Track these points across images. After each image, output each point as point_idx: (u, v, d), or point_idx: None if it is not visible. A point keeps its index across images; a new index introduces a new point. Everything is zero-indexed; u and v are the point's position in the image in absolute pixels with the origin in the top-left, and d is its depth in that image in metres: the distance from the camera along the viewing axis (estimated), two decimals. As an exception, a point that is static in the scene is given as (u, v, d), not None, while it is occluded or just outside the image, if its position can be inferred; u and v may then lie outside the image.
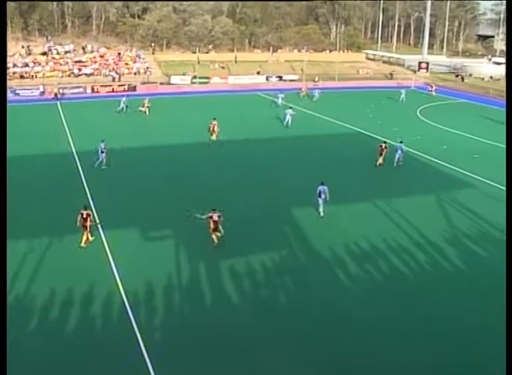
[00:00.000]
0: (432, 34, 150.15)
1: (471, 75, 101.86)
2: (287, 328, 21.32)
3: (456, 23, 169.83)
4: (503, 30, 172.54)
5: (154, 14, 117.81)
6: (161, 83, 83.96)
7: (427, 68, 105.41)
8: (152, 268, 25.57)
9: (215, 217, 27.83)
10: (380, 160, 43.34)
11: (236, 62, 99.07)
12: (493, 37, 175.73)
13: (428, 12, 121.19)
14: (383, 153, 43.17)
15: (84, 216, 27.60)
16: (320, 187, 32.70)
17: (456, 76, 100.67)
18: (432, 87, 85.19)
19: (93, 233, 28.56)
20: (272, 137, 52.31)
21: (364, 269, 26.25)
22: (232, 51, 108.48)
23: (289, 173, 41.42)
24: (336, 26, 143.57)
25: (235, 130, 53.34)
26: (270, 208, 33.96)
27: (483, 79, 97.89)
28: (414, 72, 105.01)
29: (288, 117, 57.71)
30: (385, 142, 44.67)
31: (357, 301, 23.52)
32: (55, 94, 73.46)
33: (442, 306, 23.31)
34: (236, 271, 25.54)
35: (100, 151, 41.45)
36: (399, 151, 43.50)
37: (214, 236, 28.20)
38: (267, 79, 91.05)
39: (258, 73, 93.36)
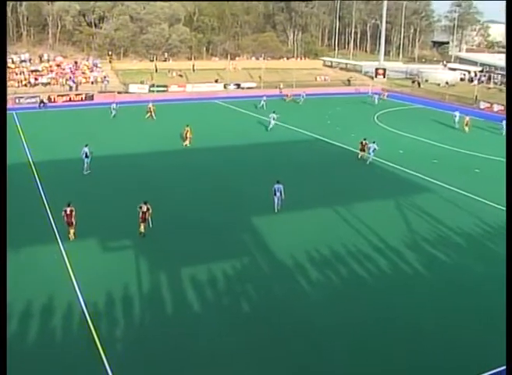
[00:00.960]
0: (388, 41, 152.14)
1: (427, 81, 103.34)
2: (249, 336, 21.34)
3: (412, 30, 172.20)
4: (457, 36, 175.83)
5: (110, 22, 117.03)
6: (119, 92, 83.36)
7: (384, 74, 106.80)
8: (112, 278, 25.36)
9: (144, 208, 29.72)
10: (361, 154, 48.40)
11: (193, 70, 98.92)
12: (448, 43, 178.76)
13: (384, 19, 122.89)
14: (365, 148, 47.98)
15: (68, 212, 29.05)
16: (276, 186, 34.33)
17: (413, 82, 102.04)
18: (383, 93, 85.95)
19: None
20: (233, 144, 52.33)
21: (325, 274, 26.42)
22: (190, 59, 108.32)
23: (250, 180, 41.54)
24: (294, 33, 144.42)
25: (195, 138, 53.21)
26: (231, 215, 33.97)
27: (439, 84, 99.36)
28: (372, 78, 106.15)
29: (272, 121, 59.90)
30: (364, 139, 48.96)
31: (318, 307, 23.64)
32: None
33: (402, 310, 23.60)
34: (198, 279, 25.46)
35: (84, 156, 41.65)
36: (372, 149, 46.92)
37: (142, 226, 29.97)
38: (225, 87, 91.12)
39: (216, 81, 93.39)
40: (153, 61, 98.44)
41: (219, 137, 55.04)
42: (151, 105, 65.81)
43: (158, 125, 61.13)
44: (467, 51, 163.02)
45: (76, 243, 28.99)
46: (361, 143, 48.72)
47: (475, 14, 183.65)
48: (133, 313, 22.62)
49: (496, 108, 78.53)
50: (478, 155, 51.37)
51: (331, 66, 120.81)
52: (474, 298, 24.98)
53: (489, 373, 19.42)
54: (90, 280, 25.02)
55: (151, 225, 30.15)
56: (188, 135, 51.55)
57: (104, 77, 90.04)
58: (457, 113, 66.17)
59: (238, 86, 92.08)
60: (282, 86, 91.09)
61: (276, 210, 34.58)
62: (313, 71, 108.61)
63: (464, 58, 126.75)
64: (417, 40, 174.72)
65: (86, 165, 41.92)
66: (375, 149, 46.57)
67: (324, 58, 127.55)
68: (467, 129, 62.84)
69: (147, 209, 30.03)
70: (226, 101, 77.59)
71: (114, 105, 66.30)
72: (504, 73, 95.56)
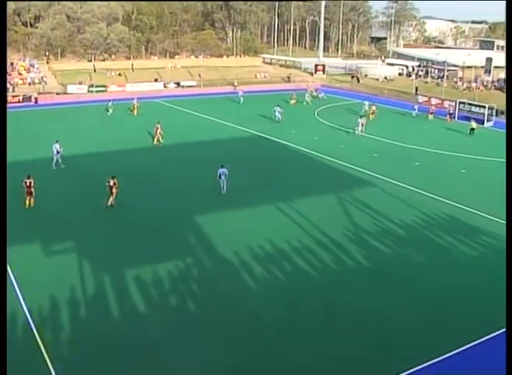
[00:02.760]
0: (326, 37, 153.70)
1: (366, 76, 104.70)
2: (198, 335, 21.38)
3: (350, 26, 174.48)
4: (394, 32, 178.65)
5: (47, 22, 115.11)
6: (58, 93, 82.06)
7: (323, 70, 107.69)
8: (56, 283, 25.00)
9: (111, 183, 33.58)
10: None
11: (133, 69, 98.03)
12: (386, 38, 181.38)
13: (323, 15, 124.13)
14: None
15: (27, 184, 33.66)
16: (220, 170, 37.22)
17: (352, 77, 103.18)
18: (315, 89, 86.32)
19: None
20: (174, 143, 51.98)
21: (270, 270, 26.67)
22: (129, 58, 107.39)
23: (191, 178, 41.41)
24: (233, 31, 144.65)
25: (136, 138, 52.80)
26: (175, 215, 33.90)
27: (378, 79, 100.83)
28: (311, 74, 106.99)
29: (277, 114, 63.14)
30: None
31: (264, 303, 23.84)
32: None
33: (347, 302, 24.03)
34: (143, 280, 25.38)
35: (56, 152, 42.54)
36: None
37: (111, 199, 33.84)
38: (165, 86, 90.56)
39: (156, 80, 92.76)
40: (91, 61, 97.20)
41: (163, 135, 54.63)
42: (135, 101, 67.07)
43: (100, 124, 60.47)
44: (405, 46, 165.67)
45: (18, 247, 28.34)
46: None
47: (412, 10, 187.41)
48: (79, 317, 22.39)
49: (433, 101, 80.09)
50: (415, 148, 52.40)
51: (270, 63, 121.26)
52: (416, 287, 25.56)
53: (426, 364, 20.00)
54: (33, 286, 24.57)
55: (109, 203, 33.66)
56: (158, 132, 51.81)
57: (42, 78, 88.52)
58: (366, 102, 70.11)
59: (178, 84, 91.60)
60: (236, 83, 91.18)
61: (223, 192, 37.06)
62: (253, 68, 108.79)
63: (401, 53, 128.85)
64: (355, 36, 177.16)
65: (57, 160, 42.89)
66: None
67: (263, 56, 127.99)
68: (372, 117, 65.39)
69: (114, 184, 33.59)
70: (166, 100, 77.11)
71: (110, 103, 67.47)
72: (441, 67, 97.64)
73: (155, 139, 51.84)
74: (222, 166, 37.36)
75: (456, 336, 21.53)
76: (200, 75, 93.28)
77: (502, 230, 32.27)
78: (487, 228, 32.77)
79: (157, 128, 51.87)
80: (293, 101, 76.76)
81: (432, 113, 68.32)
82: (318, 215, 34.05)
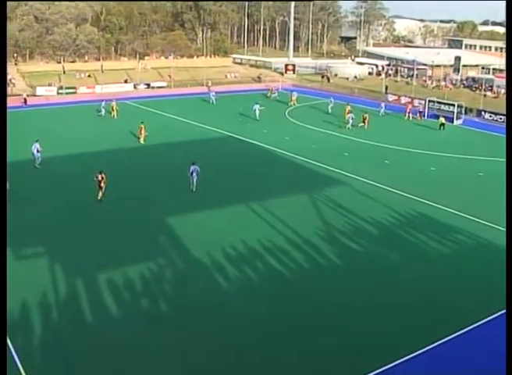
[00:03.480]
0: (296, 37, 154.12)
1: (336, 75, 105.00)
2: (171, 338, 21.30)
3: (320, 26, 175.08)
4: (364, 31, 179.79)
5: (14, 23, 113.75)
6: (28, 95, 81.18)
7: (293, 70, 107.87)
8: (27, 286, 24.69)
9: (99, 177, 35.09)
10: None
11: (102, 71, 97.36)
12: (355, 38, 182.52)
13: (292, 15, 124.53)
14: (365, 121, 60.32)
15: (99, 178, 35.17)
16: (192, 167, 37.56)
17: (322, 76, 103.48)
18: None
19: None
20: (144, 144, 51.69)
21: (243, 271, 26.66)
22: (99, 59, 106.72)
23: (162, 180, 41.19)
24: (203, 31, 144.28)
25: (106, 140, 52.40)
26: (146, 216, 33.69)
27: (348, 79, 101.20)
28: (282, 74, 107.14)
29: (257, 112, 64.36)
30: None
31: (237, 304, 23.84)
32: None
33: (320, 301, 24.15)
34: (115, 283, 25.20)
35: (36, 151, 43.04)
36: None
37: (100, 193, 35.30)
38: (135, 87, 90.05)
39: (126, 81, 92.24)
40: (60, 62, 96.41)
41: (131, 137, 54.25)
42: (114, 103, 66.52)
43: (69, 126, 59.92)
44: (374, 45, 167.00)
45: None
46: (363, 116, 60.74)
47: (381, 10, 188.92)
48: (51, 322, 22.16)
49: (403, 100, 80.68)
50: (385, 146, 52.82)
51: (241, 64, 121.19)
52: (388, 286, 25.77)
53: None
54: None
55: (99, 197, 35.28)
56: (143, 132, 52.51)
57: (10, 80, 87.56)
58: (332, 99, 70.87)
59: (148, 86, 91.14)
60: (210, 84, 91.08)
61: (193, 189, 37.63)
62: (223, 69, 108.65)
63: (371, 52, 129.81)
64: (325, 35, 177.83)
65: (38, 159, 43.35)
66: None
67: (234, 56, 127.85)
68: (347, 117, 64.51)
69: (102, 178, 35.14)
70: (137, 102, 76.67)
71: (103, 103, 67.20)
72: (410, 66, 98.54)
73: (142, 139, 52.62)
74: (194, 163, 37.82)
75: (426, 333, 21.73)
76: (170, 76, 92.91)
77: (471, 227, 32.87)
78: (457, 225, 33.16)
79: (141, 128, 52.65)
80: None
81: (409, 113, 68.42)
82: (291, 214, 34.13)
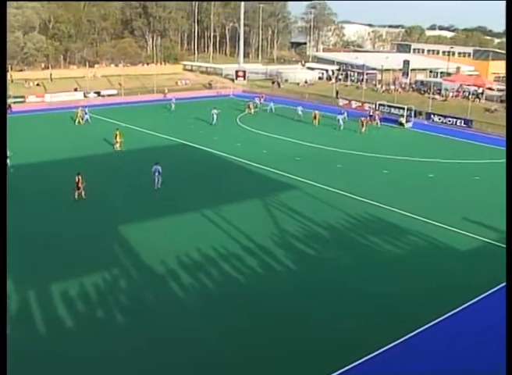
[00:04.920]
0: (247, 43, 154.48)
1: (286, 80, 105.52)
2: (126, 349, 21.06)
3: (270, 32, 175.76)
4: (313, 37, 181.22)
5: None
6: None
7: (244, 76, 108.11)
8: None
9: (77, 179, 36.93)
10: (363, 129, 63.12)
11: (51, 79, 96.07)
12: (305, 43, 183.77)
13: (242, 22, 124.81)
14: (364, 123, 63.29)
15: (76, 179, 36.86)
16: (154, 167, 39.73)
17: (273, 82, 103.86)
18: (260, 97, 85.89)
19: None
20: (94, 153, 51.03)
21: (198, 279, 26.54)
22: (47, 68, 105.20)
23: (116, 189, 40.84)
24: (153, 38, 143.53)
25: (54, 149, 51.61)
26: (100, 225, 33.31)
27: (298, 84, 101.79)
28: (232, 80, 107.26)
29: (214, 116, 65.44)
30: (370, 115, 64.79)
31: (193, 313, 23.71)
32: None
33: (275, 308, 24.19)
34: (69, 295, 24.81)
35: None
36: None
37: (76, 193, 37.03)
38: (85, 95, 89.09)
39: (76, 89, 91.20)
40: (8, 71, 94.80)
41: (82, 146, 53.50)
42: (79, 110, 66.58)
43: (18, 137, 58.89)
44: (324, 50, 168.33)
45: None
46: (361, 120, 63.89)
47: (330, 15, 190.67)
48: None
49: (354, 104, 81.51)
50: (338, 151, 53.27)
51: (191, 70, 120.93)
52: (342, 290, 26.00)
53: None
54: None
55: (84, 195, 37.01)
56: (118, 139, 52.53)
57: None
58: (300, 108, 71.07)
59: (98, 94, 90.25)
60: (167, 91, 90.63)
61: (156, 187, 39.58)
62: (173, 76, 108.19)
63: (321, 57, 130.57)
64: (275, 41, 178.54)
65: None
66: None
67: (184, 63, 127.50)
68: (316, 122, 67.17)
69: (78, 180, 36.96)
70: (88, 110, 75.80)
71: (86, 110, 67.10)
72: (360, 70, 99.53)
73: (117, 145, 52.72)
74: (157, 163, 39.78)
75: (380, 337, 21.96)
76: (120, 84, 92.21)
77: (424, 228, 33.38)
78: (410, 227, 33.66)
79: (116, 135, 52.82)
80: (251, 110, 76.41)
81: (376, 119, 68.74)
82: (244, 221, 34.15)
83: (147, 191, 39.89)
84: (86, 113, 66.85)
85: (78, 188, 37.19)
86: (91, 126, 64.23)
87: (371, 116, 69.58)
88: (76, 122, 65.34)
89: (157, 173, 39.78)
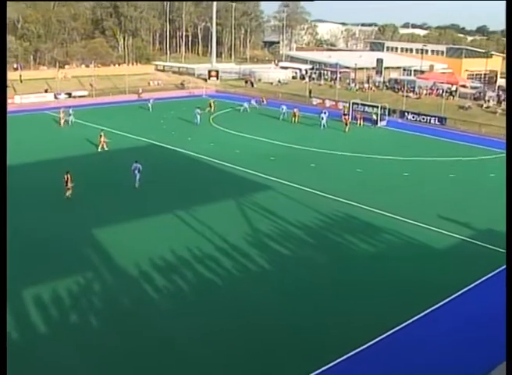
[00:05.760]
0: (219, 43, 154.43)
1: (260, 80, 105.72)
2: (101, 353, 20.95)
3: (243, 31, 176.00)
4: (286, 36, 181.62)
5: None
6: None
7: (217, 76, 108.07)
8: None
9: (65, 177, 37.56)
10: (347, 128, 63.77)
11: (21, 80, 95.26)
12: (278, 42, 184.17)
13: (214, 21, 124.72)
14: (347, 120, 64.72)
15: (65, 178, 37.51)
16: (134, 165, 40.53)
17: (246, 82, 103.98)
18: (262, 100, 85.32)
19: None
20: (65, 156, 50.59)
21: (172, 281, 26.49)
22: (17, 69, 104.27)
23: (97, 189, 40.56)
24: (124, 38, 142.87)
25: (25, 153, 51.18)
26: (75, 228, 33.02)
27: (272, 83, 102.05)
28: (205, 80, 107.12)
29: (198, 116, 65.98)
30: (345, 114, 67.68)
31: (169, 315, 23.66)
32: None
33: (252, 308, 24.25)
34: (42, 300, 24.58)
35: None
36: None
37: (68, 192, 37.71)
38: (55, 96, 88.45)
39: (46, 90, 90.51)
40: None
41: (51, 149, 53.09)
42: (61, 111, 66.20)
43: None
44: (297, 49, 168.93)
45: None
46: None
47: (303, 14, 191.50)
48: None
49: (327, 103, 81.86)
50: (312, 150, 53.47)
51: (163, 70, 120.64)
52: (316, 288, 26.11)
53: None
54: None
55: (67, 195, 37.53)
56: (102, 140, 52.49)
57: None
58: (284, 107, 71.76)
59: (69, 95, 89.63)
60: (141, 91, 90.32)
61: (137, 185, 40.24)
62: (145, 76, 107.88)
63: (294, 56, 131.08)
64: (248, 40, 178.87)
65: None
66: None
67: (156, 63, 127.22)
68: (295, 120, 68.46)
69: (67, 179, 37.53)
70: (57, 112, 75.25)
71: (70, 111, 66.60)
72: (334, 69, 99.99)
73: (100, 146, 52.62)
74: (136, 162, 40.70)
75: (358, 337, 22.10)
76: (91, 84, 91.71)
77: (399, 226, 33.71)
78: (385, 225, 33.96)
79: (100, 136, 52.85)
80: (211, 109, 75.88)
81: (360, 119, 68.73)
82: (218, 221, 34.16)
83: (126, 192, 40.00)
84: (70, 115, 66.37)
85: (67, 187, 37.78)
86: (72, 128, 63.74)
87: (345, 114, 69.85)
88: (61, 123, 65.07)
89: (137, 171, 40.37)
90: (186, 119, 68.72)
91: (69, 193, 37.79)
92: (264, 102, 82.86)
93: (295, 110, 69.53)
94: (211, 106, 75.52)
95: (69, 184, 37.82)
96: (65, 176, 37.83)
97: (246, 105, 77.17)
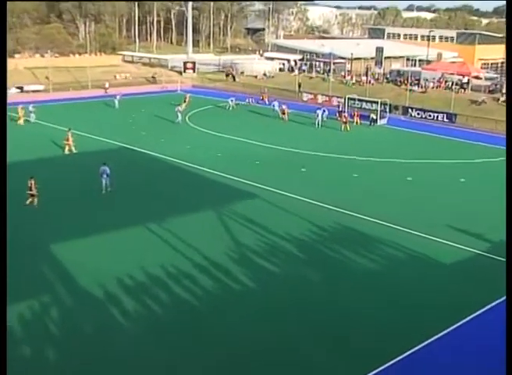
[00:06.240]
0: (196, 30, 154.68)
1: (242, 73, 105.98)
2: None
3: (223, 16, 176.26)
4: (273, 22, 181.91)
5: None
6: None
7: (194, 68, 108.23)
8: None
9: (29, 183, 38.28)
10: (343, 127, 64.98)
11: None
12: (263, 30, 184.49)
13: (190, 5, 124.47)
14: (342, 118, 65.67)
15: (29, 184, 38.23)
16: (102, 168, 41.20)
17: (227, 75, 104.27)
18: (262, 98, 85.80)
19: None
20: (25, 160, 50.36)
21: (143, 303, 26.40)
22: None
23: (62, 196, 40.67)
24: (85, 24, 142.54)
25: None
26: (26, 244, 32.83)
27: (256, 76, 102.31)
28: (180, 73, 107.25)
29: (178, 114, 67.15)
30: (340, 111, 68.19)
31: (138, 342, 23.59)
32: None
33: (236, 331, 24.29)
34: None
35: None
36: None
37: (29, 200, 38.42)
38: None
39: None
40: None
41: (10, 151, 52.71)
42: (19, 108, 66.79)
43: None
44: (285, 37, 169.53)
45: None
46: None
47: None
48: None
49: (320, 99, 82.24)
50: (303, 152, 53.81)
51: (132, 62, 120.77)
52: (311, 311, 26.19)
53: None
54: None
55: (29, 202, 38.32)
56: (69, 141, 52.71)
57: None
58: (276, 103, 73.40)
59: (21, 89, 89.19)
60: (107, 85, 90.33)
61: (104, 191, 41.13)
62: (111, 68, 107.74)
63: (282, 45, 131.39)
64: (229, 27, 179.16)
65: None
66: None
67: (123, 53, 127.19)
68: (286, 117, 69.37)
69: (31, 185, 38.34)
70: (15, 109, 74.94)
71: (30, 107, 67.54)
72: (327, 60, 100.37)
73: (66, 148, 52.84)
74: (104, 164, 41.32)
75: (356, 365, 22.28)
76: (48, 77, 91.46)
77: (402, 239, 33.79)
78: (385, 237, 34.13)
79: (67, 137, 52.99)
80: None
81: (357, 117, 69.00)
82: (196, 234, 34.23)
83: (93, 199, 40.24)
84: (31, 112, 66.74)
85: (31, 194, 38.41)
86: (33, 127, 63.75)
87: (340, 111, 70.14)
88: (19, 122, 65.31)
89: (105, 175, 41.03)
90: (159, 117, 68.95)
91: (31, 201, 38.40)
92: (266, 102, 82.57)
93: (283, 107, 69.98)
94: (185, 101, 75.77)
95: (33, 191, 38.41)
96: (29, 182, 38.39)
97: (230, 101, 77.67)
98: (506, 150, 16.72)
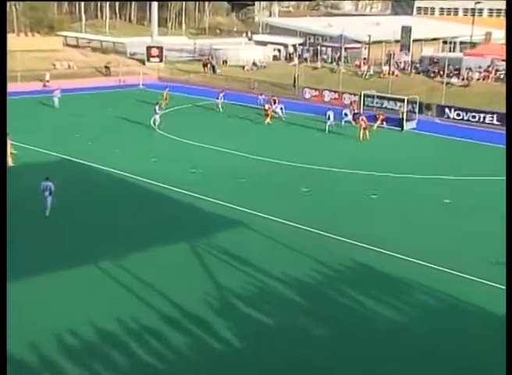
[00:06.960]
0: (164, 5, 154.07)
1: (225, 62, 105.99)
2: None
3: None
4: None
5: None
6: None
7: (160, 56, 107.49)
8: None
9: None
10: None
11: None
12: (253, 5, 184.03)
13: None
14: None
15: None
16: (44, 183, 41.93)
17: (205, 65, 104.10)
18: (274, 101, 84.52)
19: None
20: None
21: (91, 370, 26.03)
22: None
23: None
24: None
25: None
26: None
27: (243, 67, 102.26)
28: (143, 63, 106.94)
29: (155, 116, 68.45)
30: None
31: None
32: None
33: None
34: None
35: None
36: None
37: None
38: None
39: None
40: None
41: None
42: None
43: None
44: (282, 15, 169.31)
45: None
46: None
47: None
48: None
49: (327, 96, 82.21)
50: (305, 167, 54.04)
51: (77, 46, 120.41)
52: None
53: None
54: None
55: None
56: (11, 150, 52.38)
57: None
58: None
59: None
60: (48, 78, 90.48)
61: (47, 213, 41.92)
62: (49, 54, 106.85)
63: (277, 25, 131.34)
64: (206, 2, 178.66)
65: None
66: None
67: (65, 34, 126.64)
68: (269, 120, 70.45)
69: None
70: None
71: None
72: (336, 44, 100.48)
73: (9, 159, 52.32)
74: (47, 179, 42.02)
75: None
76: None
77: (434, 280, 33.69)
78: (413, 277, 33.97)
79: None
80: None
81: (382, 121, 69.59)
82: (163, 276, 34.08)
83: (33, 224, 40.62)
84: None
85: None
86: None
87: (356, 113, 69.86)
88: None
89: (47, 193, 41.87)
90: (113, 121, 68.89)
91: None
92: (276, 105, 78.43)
93: (269, 106, 70.06)
94: (166, 99, 76.04)
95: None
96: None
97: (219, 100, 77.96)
98: (506, 149, 16.85)
